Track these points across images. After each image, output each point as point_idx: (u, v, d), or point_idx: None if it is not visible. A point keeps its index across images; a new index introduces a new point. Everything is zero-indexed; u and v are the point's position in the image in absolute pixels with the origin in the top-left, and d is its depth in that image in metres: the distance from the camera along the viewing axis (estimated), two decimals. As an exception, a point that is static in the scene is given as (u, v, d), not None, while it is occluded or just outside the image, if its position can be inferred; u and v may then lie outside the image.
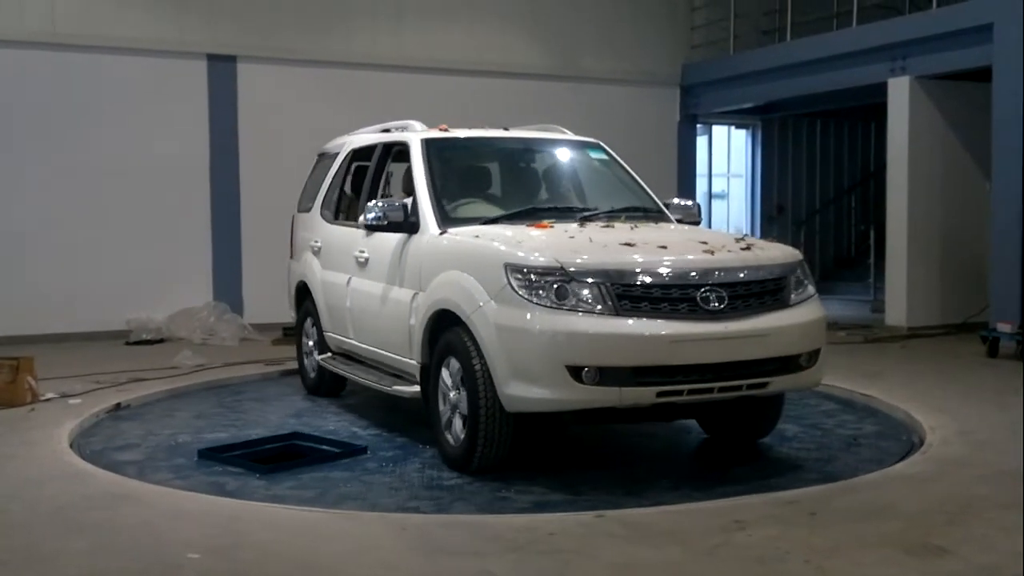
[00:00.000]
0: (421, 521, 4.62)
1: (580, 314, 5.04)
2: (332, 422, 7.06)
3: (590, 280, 5.09)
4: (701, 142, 15.41)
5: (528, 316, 5.08)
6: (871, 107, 13.44)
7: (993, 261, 10.28)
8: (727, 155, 18.09)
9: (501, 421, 5.33)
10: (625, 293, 5.09)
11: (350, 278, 7.08)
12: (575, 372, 5.00)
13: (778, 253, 5.68)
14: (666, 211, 6.68)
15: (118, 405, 7.43)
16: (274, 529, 4.51)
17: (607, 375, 5.00)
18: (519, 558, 4.07)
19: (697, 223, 6.75)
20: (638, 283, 5.11)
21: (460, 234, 5.89)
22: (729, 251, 5.48)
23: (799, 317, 5.45)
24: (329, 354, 7.62)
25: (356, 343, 7.09)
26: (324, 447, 6.24)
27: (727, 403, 5.61)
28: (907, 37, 11.39)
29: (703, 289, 5.15)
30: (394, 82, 12.55)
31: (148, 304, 11.24)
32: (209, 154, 11.81)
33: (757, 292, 5.34)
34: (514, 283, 5.16)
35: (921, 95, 11.54)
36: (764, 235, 15.31)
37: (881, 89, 11.84)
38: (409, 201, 6.29)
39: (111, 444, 6.41)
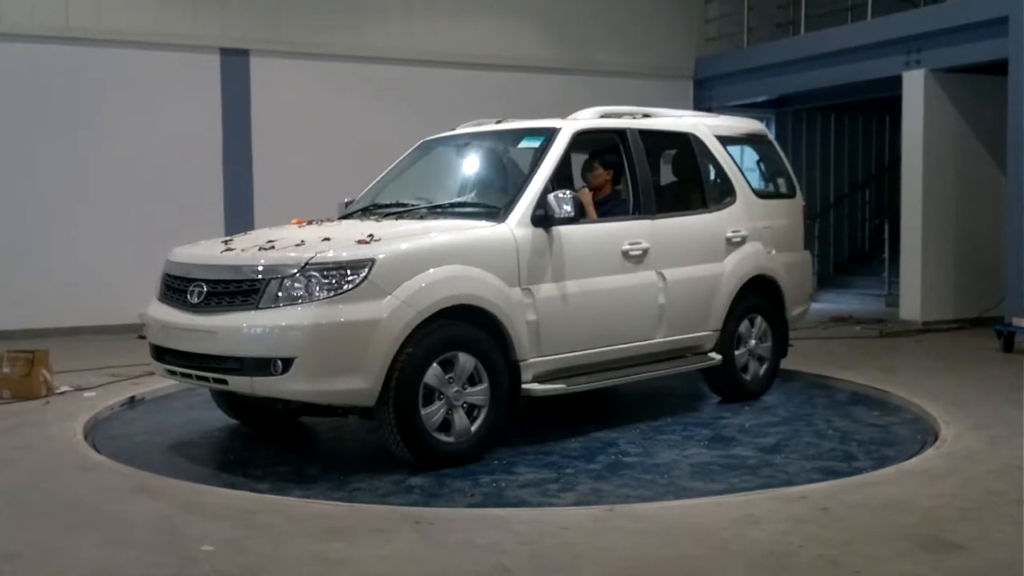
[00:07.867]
0: (436, 514, 4.63)
1: (153, 299, 6.11)
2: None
3: (165, 272, 6.09)
4: (714, 136, 15.32)
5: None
6: (886, 100, 13.37)
7: (1008, 255, 10.23)
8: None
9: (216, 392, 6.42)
10: (166, 283, 6.01)
11: None
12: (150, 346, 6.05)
13: (260, 255, 5.49)
14: (522, 206, 5.93)
15: (132, 398, 7.48)
16: (288, 521, 4.52)
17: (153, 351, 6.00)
18: (533, 552, 4.08)
19: (567, 220, 5.96)
20: (168, 275, 6.02)
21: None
22: (243, 250, 5.72)
23: (262, 320, 5.25)
24: None
25: None
26: None
27: None
28: (922, 30, 11.35)
29: (193, 284, 5.69)
30: (406, 75, 12.58)
31: (162, 297, 11.29)
32: (222, 147, 11.84)
33: (233, 291, 5.49)
34: None
35: (936, 88, 11.48)
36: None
37: (896, 82, 11.78)
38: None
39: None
